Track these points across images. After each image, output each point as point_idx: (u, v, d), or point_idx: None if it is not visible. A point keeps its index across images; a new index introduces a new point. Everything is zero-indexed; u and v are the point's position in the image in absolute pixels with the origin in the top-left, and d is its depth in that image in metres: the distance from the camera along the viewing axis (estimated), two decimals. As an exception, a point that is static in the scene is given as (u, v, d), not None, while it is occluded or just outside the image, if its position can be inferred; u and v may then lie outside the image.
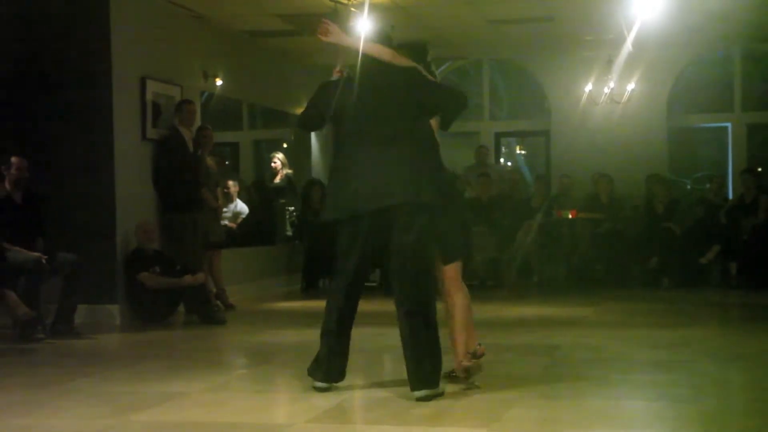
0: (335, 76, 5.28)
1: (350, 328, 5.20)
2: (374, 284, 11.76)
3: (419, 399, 4.85)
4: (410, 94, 5.05)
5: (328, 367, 5.15)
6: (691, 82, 13.44)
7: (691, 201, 12.50)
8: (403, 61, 5.08)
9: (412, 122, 5.03)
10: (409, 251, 4.92)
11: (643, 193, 12.32)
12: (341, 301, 5.10)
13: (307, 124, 5.51)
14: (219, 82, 10.51)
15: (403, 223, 4.92)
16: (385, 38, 5.23)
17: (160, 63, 9.30)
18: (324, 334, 5.17)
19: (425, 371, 4.89)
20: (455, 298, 5.25)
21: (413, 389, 4.89)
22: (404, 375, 5.00)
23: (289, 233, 12.32)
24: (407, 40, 5.39)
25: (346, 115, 5.06)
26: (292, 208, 12.33)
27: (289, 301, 10.58)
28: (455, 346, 5.25)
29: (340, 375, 5.20)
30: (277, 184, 12.35)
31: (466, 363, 5.16)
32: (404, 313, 4.94)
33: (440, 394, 4.92)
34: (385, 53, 5.06)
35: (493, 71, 14.19)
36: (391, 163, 4.92)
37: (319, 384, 5.16)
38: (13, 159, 7.73)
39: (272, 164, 12.46)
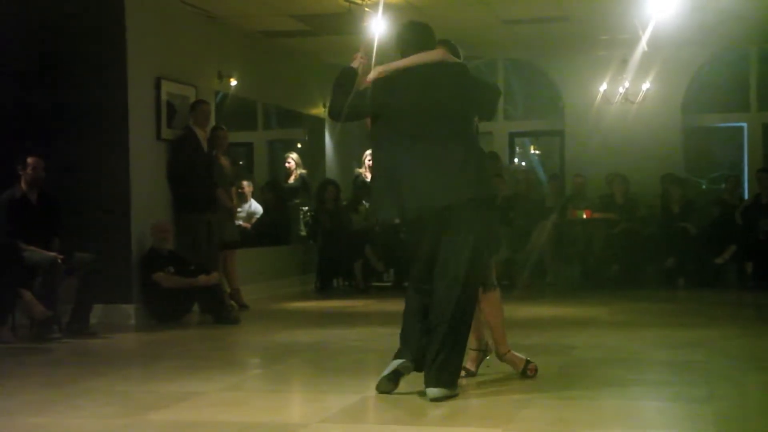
0: (356, 63, 5.22)
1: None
2: (389, 284, 11.79)
3: (433, 399, 4.80)
4: (462, 92, 5.07)
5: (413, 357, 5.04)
6: (706, 82, 13.39)
7: (706, 201, 12.45)
8: (451, 58, 5.10)
9: (466, 119, 5.11)
10: (470, 249, 4.91)
11: (658, 193, 12.28)
12: (420, 299, 5.06)
13: (338, 116, 5.14)
14: (233, 82, 10.53)
15: (467, 218, 4.92)
16: (430, 41, 5.20)
17: (175, 63, 9.34)
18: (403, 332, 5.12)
19: (446, 370, 4.86)
20: (494, 291, 5.39)
21: (428, 386, 4.84)
22: (418, 375, 5.02)
23: (303, 233, 12.34)
24: (407, 23, 5.39)
25: (396, 113, 5.01)
26: (306, 208, 12.35)
27: (304, 301, 10.60)
28: (496, 333, 5.39)
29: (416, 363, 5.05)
30: (291, 184, 12.37)
31: (514, 354, 5.44)
32: (442, 310, 4.89)
33: (455, 396, 4.90)
34: (435, 55, 5.08)
35: (507, 71, 14.17)
36: (454, 160, 4.92)
37: (404, 363, 5.02)
38: (30, 159, 7.77)
39: (286, 164, 12.48)
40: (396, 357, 5.06)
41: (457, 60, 5.16)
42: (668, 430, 4.45)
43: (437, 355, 4.85)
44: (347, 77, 5.12)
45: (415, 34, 5.18)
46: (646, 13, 9.97)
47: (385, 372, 5.04)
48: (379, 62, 5.28)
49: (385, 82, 5.04)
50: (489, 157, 12.50)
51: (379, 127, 5.10)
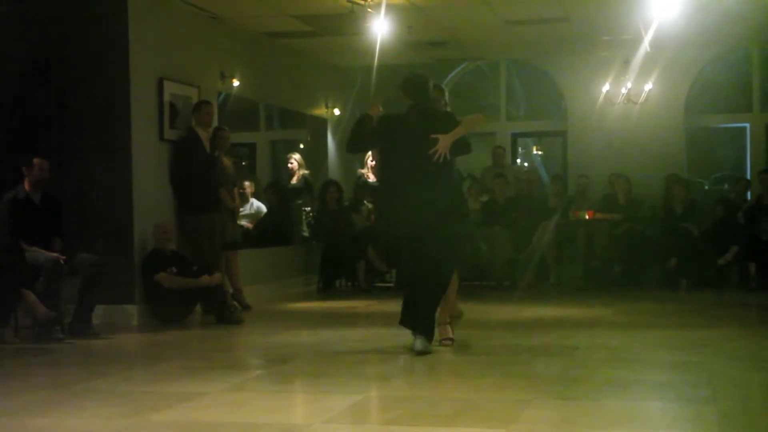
0: (372, 111, 6.79)
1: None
2: (391, 285, 11.79)
3: (420, 351, 6.27)
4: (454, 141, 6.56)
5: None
6: (709, 83, 13.39)
7: (709, 202, 12.44)
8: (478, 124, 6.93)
9: (452, 159, 6.62)
10: (445, 249, 6.61)
11: (662, 193, 12.27)
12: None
13: (356, 149, 7.74)
14: (236, 82, 10.53)
15: (443, 233, 6.58)
16: (427, 90, 6.71)
17: (178, 64, 9.34)
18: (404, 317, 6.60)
19: (430, 332, 6.50)
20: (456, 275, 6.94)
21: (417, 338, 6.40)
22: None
23: (306, 234, 12.33)
24: (410, 75, 6.84)
25: (400, 148, 6.58)
26: (309, 208, 12.35)
27: (306, 302, 10.60)
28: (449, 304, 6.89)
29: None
30: (294, 184, 12.37)
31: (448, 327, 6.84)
32: (427, 289, 6.54)
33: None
34: (477, 122, 6.87)
35: (509, 72, 14.18)
36: (439, 191, 6.55)
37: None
38: (36, 160, 7.78)
39: (289, 165, 12.49)
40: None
41: (448, 112, 6.92)
42: (671, 430, 4.45)
43: (425, 322, 6.49)
44: (365, 122, 6.79)
45: (414, 85, 6.70)
46: (648, 14, 9.97)
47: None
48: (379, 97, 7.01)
49: (386, 125, 6.70)
50: (493, 151, 12.71)
51: (385, 157, 6.87)
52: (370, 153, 11.89)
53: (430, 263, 6.54)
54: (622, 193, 12.09)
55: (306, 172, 12.43)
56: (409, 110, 6.69)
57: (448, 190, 6.66)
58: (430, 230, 6.52)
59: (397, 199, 6.63)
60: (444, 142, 6.47)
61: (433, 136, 6.47)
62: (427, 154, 6.44)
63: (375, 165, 7.01)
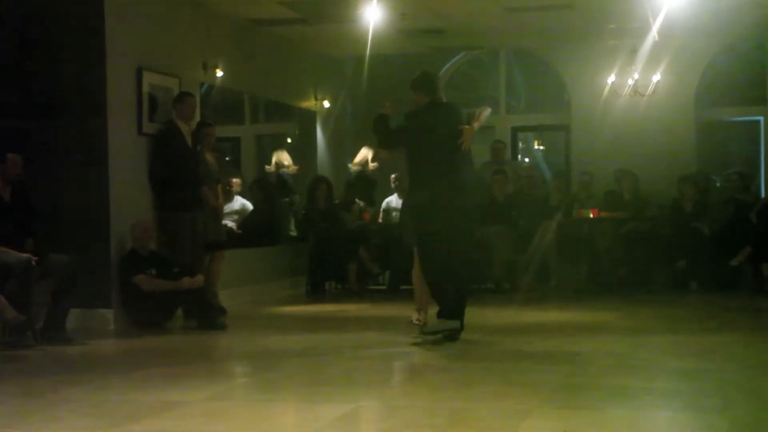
0: (387, 111, 7.59)
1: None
2: (384, 287, 11.80)
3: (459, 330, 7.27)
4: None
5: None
6: (720, 73, 13.40)
7: (720, 199, 12.44)
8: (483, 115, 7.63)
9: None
10: (470, 232, 7.79)
11: (673, 191, 12.26)
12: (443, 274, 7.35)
13: (390, 146, 8.21)
14: (219, 73, 10.52)
15: (466, 217, 7.46)
16: (438, 85, 7.62)
17: (157, 53, 9.33)
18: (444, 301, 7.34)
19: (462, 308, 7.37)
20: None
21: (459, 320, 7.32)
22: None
23: (294, 233, 12.31)
24: (423, 72, 7.62)
25: (426, 142, 7.33)
26: (288, 198, 12.32)
27: (294, 305, 10.60)
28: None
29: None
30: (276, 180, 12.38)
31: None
32: (462, 272, 7.50)
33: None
34: (486, 117, 7.65)
35: (510, 62, 14.18)
36: (460, 176, 7.34)
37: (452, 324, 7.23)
38: (9, 155, 7.76)
39: (266, 167, 12.50)
40: (444, 317, 7.24)
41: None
42: (679, 441, 4.47)
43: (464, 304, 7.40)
44: (385, 120, 7.60)
45: (430, 82, 7.55)
46: (656, 1, 9.99)
47: (437, 329, 7.21)
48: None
49: (415, 121, 7.46)
50: (493, 145, 12.75)
51: (415, 153, 7.45)
52: (363, 149, 11.94)
53: (460, 254, 7.39)
54: (628, 191, 12.11)
55: (285, 169, 12.37)
56: (429, 106, 7.45)
57: (472, 178, 7.61)
58: (462, 219, 7.39)
59: (432, 189, 7.29)
60: (469, 132, 7.33)
61: (459, 127, 7.33)
62: (454, 145, 7.27)
63: (406, 163, 7.41)
